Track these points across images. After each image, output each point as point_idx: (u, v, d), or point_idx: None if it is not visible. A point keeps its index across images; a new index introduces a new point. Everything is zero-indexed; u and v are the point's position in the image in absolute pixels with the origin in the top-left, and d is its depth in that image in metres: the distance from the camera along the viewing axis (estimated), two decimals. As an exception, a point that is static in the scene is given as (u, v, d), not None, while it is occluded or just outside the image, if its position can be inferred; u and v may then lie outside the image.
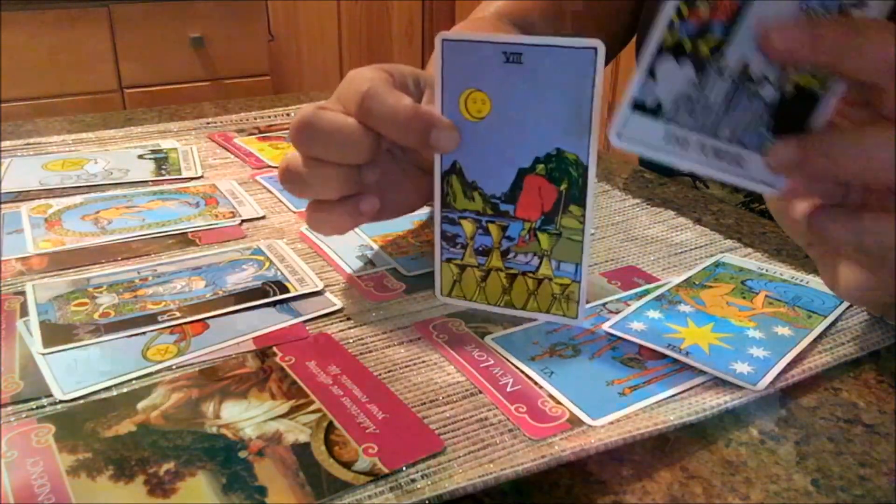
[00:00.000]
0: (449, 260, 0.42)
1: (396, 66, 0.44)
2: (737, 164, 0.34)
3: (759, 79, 0.32)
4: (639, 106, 0.34)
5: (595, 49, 0.36)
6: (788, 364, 0.38)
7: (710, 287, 0.46)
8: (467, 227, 0.41)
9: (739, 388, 0.37)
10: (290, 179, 0.42)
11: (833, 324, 0.42)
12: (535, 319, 0.42)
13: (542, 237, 0.40)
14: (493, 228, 0.40)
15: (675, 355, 0.38)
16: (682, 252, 0.51)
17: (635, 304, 0.43)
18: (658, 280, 0.47)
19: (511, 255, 0.41)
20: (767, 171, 0.33)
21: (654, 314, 0.42)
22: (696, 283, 0.46)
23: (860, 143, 0.31)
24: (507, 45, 0.37)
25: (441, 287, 0.43)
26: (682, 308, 0.43)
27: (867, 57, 0.30)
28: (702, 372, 0.38)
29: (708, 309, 0.43)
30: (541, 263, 0.40)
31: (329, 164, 0.40)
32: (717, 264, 0.49)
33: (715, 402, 0.36)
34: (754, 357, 0.39)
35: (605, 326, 0.41)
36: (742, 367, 0.38)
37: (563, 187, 0.39)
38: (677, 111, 0.33)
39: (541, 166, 0.39)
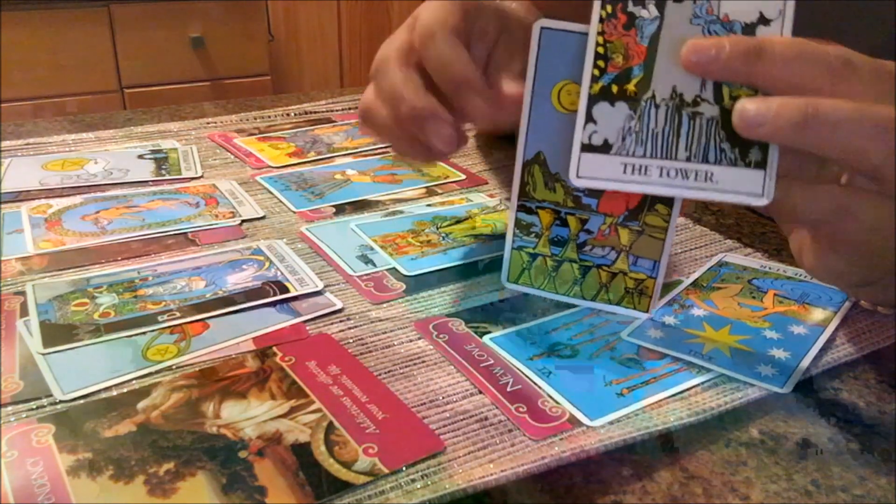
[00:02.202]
0: (520, 248, 0.41)
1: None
2: (708, 180, 0.35)
3: (693, 101, 0.34)
4: (587, 147, 0.35)
5: None
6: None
7: (719, 289, 0.45)
8: (544, 217, 0.40)
9: (739, 388, 0.37)
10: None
11: (844, 320, 0.42)
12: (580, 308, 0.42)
13: (623, 232, 0.40)
14: (571, 220, 0.40)
15: (699, 362, 0.38)
16: (681, 252, 0.51)
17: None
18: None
19: (588, 248, 0.40)
20: (744, 181, 0.34)
21: (669, 320, 0.42)
22: (704, 285, 0.46)
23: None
24: None
25: (509, 274, 0.42)
26: (696, 312, 0.43)
27: (771, 63, 0.32)
28: (700, 372, 0.38)
29: (721, 311, 0.43)
30: (618, 258, 0.40)
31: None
32: (720, 264, 0.49)
33: (715, 402, 0.36)
34: (776, 359, 0.39)
35: (625, 335, 0.41)
36: (766, 370, 0.38)
37: None
38: (626, 144, 0.35)
39: None
